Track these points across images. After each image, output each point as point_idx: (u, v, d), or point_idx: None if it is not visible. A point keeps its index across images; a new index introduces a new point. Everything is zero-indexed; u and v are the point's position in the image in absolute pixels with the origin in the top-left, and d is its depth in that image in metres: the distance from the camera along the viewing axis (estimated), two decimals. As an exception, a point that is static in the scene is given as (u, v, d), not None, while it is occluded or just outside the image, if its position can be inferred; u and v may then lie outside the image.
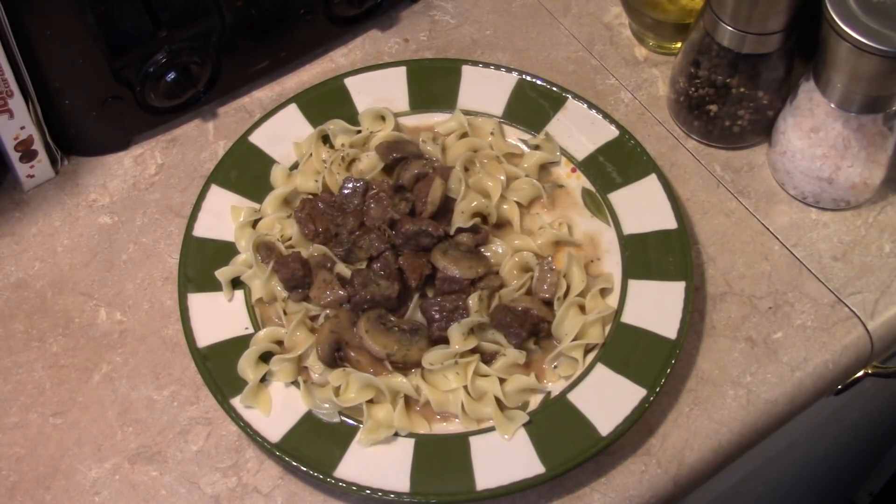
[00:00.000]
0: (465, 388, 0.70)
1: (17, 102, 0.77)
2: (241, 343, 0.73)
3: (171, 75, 0.82)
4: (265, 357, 0.72)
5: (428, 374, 0.71)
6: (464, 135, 0.83)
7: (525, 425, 0.69)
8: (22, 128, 0.79)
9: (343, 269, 0.74)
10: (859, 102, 0.75)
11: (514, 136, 0.84)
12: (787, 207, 0.83)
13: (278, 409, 0.70)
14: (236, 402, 0.70)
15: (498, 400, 0.70)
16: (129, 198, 0.84)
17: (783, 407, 0.75)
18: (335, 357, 0.72)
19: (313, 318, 0.74)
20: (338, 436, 0.69)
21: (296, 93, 0.86)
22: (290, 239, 0.77)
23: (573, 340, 0.72)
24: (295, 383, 0.71)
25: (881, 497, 1.52)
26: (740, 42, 0.78)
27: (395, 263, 0.73)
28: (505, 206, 0.79)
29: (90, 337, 0.77)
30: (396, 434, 0.69)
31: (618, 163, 0.81)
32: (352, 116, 0.84)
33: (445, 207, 0.78)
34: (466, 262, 0.73)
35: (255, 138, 0.83)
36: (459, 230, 0.76)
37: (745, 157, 0.86)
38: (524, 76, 0.85)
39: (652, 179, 0.80)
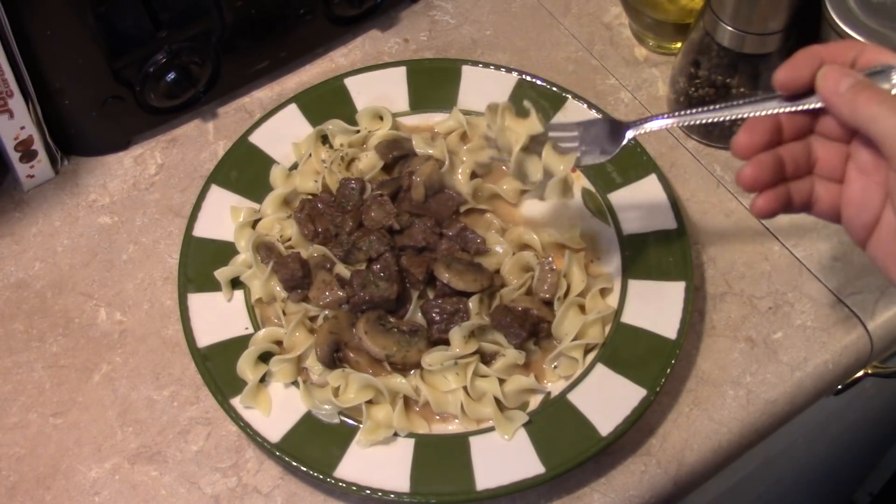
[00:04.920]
0: (465, 388, 0.70)
1: (17, 102, 0.77)
2: (240, 343, 0.73)
3: (171, 75, 0.82)
4: (265, 357, 0.72)
5: (427, 375, 0.71)
6: (463, 134, 0.83)
7: (525, 425, 0.69)
8: (22, 128, 0.79)
9: (342, 270, 0.74)
10: (859, 102, 0.75)
11: (514, 137, 0.84)
12: (788, 207, 0.83)
13: (278, 409, 0.70)
14: (236, 402, 0.70)
15: (497, 400, 0.70)
16: (129, 198, 0.84)
17: (783, 407, 0.75)
18: (334, 358, 0.72)
19: (312, 319, 0.74)
20: (337, 436, 0.69)
21: (296, 93, 0.86)
22: (289, 239, 0.77)
23: (573, 340, 0.72)
24: (294, 384, 0.71)
25: (881, 497, 1.52)
26: (740, 42, 0.78)
27: (394, 265, 0.73)
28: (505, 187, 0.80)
29: (90, 337, 0.77)
30: (396, 434, 0.69)
31: (618, 163, 0.81)
32: (352, 116, 0.84)
33: (446, 207, 0.78)
34: (471, 275, 0.73)
35: (255, 138, 0.83)
36: (456, 235, 0.76)
37: (745, 157, 0.86)
38: (524, 76, 0.85)
39: (652, 179, 0.80)
